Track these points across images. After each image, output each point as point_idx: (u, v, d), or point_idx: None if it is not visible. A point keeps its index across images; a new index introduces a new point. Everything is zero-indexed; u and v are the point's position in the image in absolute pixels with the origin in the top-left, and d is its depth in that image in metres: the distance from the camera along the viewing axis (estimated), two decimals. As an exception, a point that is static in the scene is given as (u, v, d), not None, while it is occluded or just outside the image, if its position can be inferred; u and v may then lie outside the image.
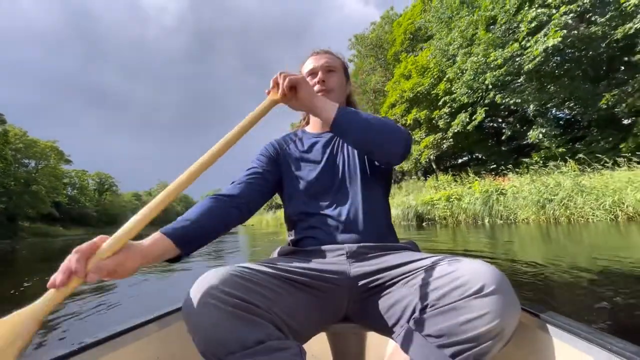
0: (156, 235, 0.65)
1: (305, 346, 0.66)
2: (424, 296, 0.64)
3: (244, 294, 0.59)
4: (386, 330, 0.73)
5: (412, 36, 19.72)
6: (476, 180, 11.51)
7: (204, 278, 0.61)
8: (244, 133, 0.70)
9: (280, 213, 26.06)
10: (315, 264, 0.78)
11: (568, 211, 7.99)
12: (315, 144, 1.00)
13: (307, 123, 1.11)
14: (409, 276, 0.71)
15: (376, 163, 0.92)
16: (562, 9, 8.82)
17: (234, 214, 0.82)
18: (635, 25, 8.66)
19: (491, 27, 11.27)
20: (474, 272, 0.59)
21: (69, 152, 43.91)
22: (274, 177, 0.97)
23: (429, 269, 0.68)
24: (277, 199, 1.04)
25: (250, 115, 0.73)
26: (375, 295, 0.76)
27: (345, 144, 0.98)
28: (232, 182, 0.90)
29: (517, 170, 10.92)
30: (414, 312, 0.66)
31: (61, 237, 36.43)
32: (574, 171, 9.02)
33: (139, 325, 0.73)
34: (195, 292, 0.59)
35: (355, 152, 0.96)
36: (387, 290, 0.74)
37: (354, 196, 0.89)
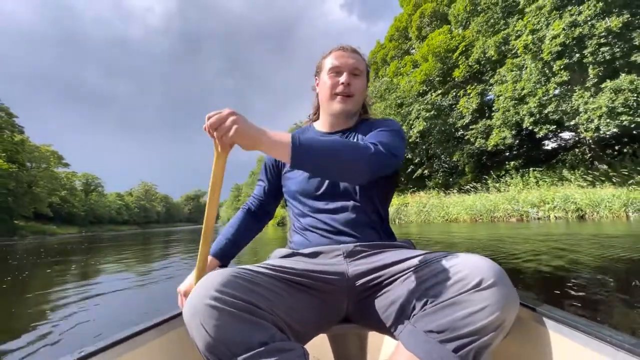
0: (210, 260, 0.90)
1: (307, 348, 0.65)
2: (423, 292, 0.64)
3: (246, 295, 0.60)
4: (387, 329, 0.73)
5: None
6: (394, 197, 19.59)
7: (205, 280, 0.61)
8: (218, 195, 0.70)
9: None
10: (314, 265, 0.79)
11: (429, 216, 16.01)
12: None
13: (318, 119, 1.08)
14: (407, 273, 0.71)
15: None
16: (425, 113, 17.23)
17: (257, 227, 1.06)
18: (465, 121, 17.02)
19: (402, 106, 19.45)
20: (472, 266, 0.60)
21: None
22: (278, 180, 1.05)
23: (427, 265, 0.68)
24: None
25: (212, 180, 0.68)
26: (374, 295, 0.76)
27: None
28: (252, 196, 1.09)
29: (422, 191, 19.18)
30: (414, 309, 0.65)
31: (58, 235, 39.38)
32: (434, 196, 17.25)
33: (138, 332, 0.72)
34: (197, 295, 0.59)
35: None
36: (386, 289, 0.74)
37: (351, 197, 0.90)
